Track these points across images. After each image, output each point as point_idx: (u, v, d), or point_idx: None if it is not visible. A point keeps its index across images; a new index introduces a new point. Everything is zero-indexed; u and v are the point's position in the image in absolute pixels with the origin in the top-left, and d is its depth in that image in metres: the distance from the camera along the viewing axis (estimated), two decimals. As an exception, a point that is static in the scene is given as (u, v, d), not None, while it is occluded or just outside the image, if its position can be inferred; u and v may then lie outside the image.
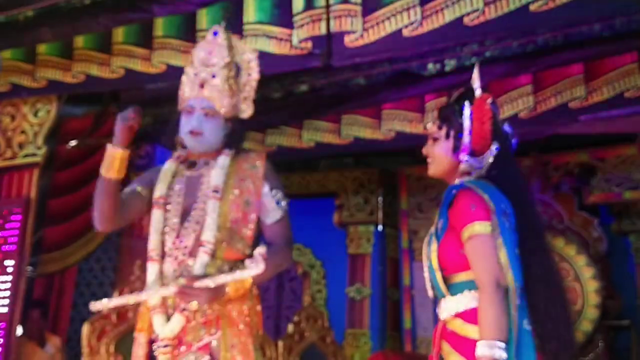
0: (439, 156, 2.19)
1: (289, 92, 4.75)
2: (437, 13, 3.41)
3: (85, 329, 4.17)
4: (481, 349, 1.87)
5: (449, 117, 2.18)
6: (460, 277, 2.04)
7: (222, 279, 2.29)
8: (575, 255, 5.36)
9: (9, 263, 4.49)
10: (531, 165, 5.79)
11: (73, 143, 5.09)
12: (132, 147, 5.63)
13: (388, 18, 3.52)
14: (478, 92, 2.20)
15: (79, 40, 4.32)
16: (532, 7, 3.23)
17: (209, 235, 2.37)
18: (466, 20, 3.35)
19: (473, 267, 1.98)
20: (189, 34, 4.01)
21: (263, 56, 3.71)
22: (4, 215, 4.60)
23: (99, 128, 5.17)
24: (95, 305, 2.39)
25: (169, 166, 2.58)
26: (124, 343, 4.11)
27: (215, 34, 2.59)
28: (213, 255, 2.37)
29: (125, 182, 5.36)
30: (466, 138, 2.13)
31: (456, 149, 2.15)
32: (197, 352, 2.35)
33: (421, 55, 4.22)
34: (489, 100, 2.19)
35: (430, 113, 4.66)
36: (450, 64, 4.39)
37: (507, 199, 2.05)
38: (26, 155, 4.72)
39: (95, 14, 3.91)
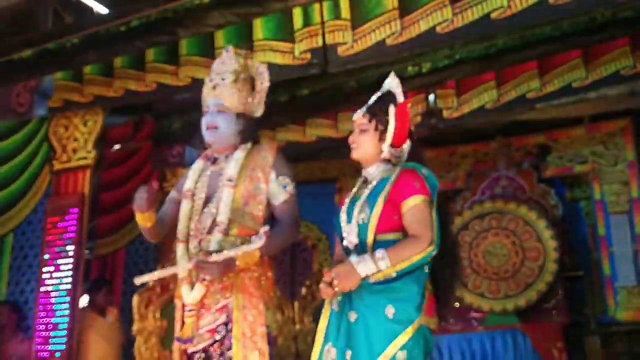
0: (365, 144, 2.26)
1: (293, 96, 4.74)
2: (414, 24, 3.40)
3: (135, 299, 4.21)
4: (384, 263, 2.04)
5: (378, 113, 2.26)
6: (388, 236, 2.14)
7: (228, 253, 2.29)
8: (537, 220, 5.36)
9: (70, 248, 4.51)
10: (497, 147, 5.78)
11: (117, 147, 5.09)
12: (165, 147, 5.67)
13: (373, 30, 3.51)
14: (401, 97, 2.29)
15: (118, 61, 4.31)
16: (493, 15, 3.21)
17: (222, 217, 2.39)
18: (438, 29, 3.34)
19: (415, 226, 2.10)
20: (208, 51, 4.00)
21: (270, 66, 3.72)
22: (64, 209, 4.61)
23: (137, 133, 5.18)
24: (139, 279, 2.43)
25: (196, 165, 2.60)
26: (168, 310, 4.14)
27: (227, 50, 2.64)
28: (227, 233, 2.38)
29: (161, 178, 5.36)
30: (390, 132, 2.23)
31: (380, 140, 2.24)
32: (216, 312, 2.37)
33: (402, 60, 4.21)
34: (409, 105, 2.32)
35: (411, 107, 4.64)
36: (426, 66, 4.38)
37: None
38: (79, 159, 4.72)
39: (131, 38, 3.89)
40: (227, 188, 2.43)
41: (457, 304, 5.43)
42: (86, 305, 4.72)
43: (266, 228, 2.28)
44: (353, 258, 2.11)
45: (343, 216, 2.26)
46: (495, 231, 5.50)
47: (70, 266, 4.47)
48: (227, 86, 2.52)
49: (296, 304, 5.03)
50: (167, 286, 4.17)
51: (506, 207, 5.50)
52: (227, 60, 2.59)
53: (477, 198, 5.74)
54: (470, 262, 5.49)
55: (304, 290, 5.17)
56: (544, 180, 5.68)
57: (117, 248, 5.38)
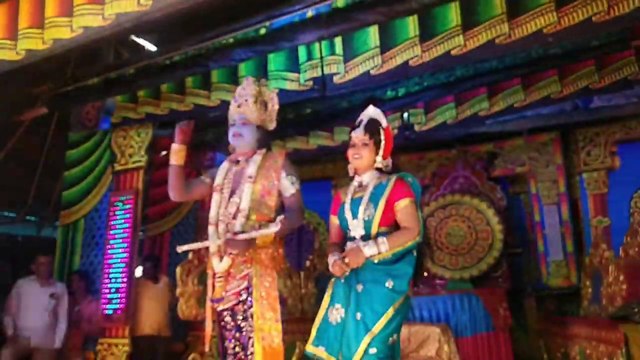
0: (366, 156, 2.30)
1: (298, 114, 4.75)
2: (392, 59, 3.42)
3: (178, 270, 4.20)
4: (384, 247, 2.14)
5: (374, 132, 2.31)
6: (385, 228, 2.22)
7: (252, 234, 2.31)
8: (487, 209, 5.37)
9: (127, 231, 4.53)
10: (457, 153, 5.79)
11: (163, 153, 5.09)
12: (201, 153, 5.65)
13: (360, 63, 3.52)
14: (384, 122, 2.36)
15: (164, 87, 4.32)
16: (453, 52, 3.23)
17: (244, 205, 2.39)
18: (410, 62, 3.36)
19: (407, 221, 2.18)
20: (233, 79, 4.01)
21: (281, 91, 3.73)
22: (123, 201, 4.62)
23: (179, 142, 5.16)
24: (180, 248, 2.46)
25: (224, 165, 2.61)
26: (204, 278, 4.14)
27: (247, 79, 2.66)
28: (248, 218, 2.39)
29: (196, 176, 5.37)
30: (382, 147, 2.30)
31: (376, 153, 2.30)
32: (239, 280, 2.37)
33: (382, 86, 4.22)
34: (391, 127, 2.41)
35: (390, 123, 4.65)
36: (401, 91, 4.40)
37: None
38: (134, 162, 4.73)
39: (173, 69, 3.90)
40: (248, 184, 2.44)
41: (425, 274, 5.46)
42: (142, 275, 4.73)
43: (282, 217, 2.29)
44: (360, 243, 2.19)
45: (348, 213, 2.29)
46: (454, 218, 5.52)
47: (127, 244, 4.50)
48: (249, 105, 2.55)
49: (302, 273, 5.02)
50: (202, 259, 4.17)
51: (463, 199, 5.52)
52: (247, 87, 2.61)
53: (441, 192, 5.76)
54: (436, 241, 5.51)
55: (307, 263, 5.16)
56: (492, 179, 5.70)
57: (163, 231, 5.38)
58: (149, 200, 4.93)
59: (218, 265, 2.39)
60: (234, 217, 2.40)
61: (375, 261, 2.15)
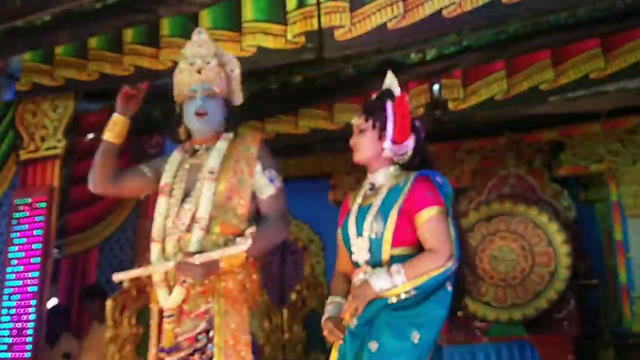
0: (365, 144, 2.31)
1: (284, 84, 4.74)
2: (418, 7, 3.39)
3: (109, 304, 4.18)
4: (400, 278, 2.09)
5: (374, 112, 2.31)
6: (402, 250, 2.18)
7: (213, 254, 2.30)
8: (548, 222, 5.37)
9: (37, 247, 4.49)
10: (506, 143, 5.79)
11: (90, 136, 5.06)
12: (144, 137, 5.67)
13: (373, 13, 3.50)
14: (398, 90, 2.35)
15: (93, 41, 4.29)
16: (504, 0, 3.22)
17: (202, 212, 2.38)
18: (444, 12, 3.34)
19: (431, 240, 2.15)
20: (192, 32, 3.97)
21: (261, 51, 3.73)
22: (31, 203, 4.59)
23: (113, 121, 5.15)
24: (117, 276, 2.45)
25: (174, 156, 2.60)
26: (144, 315, 4.12)
27: (200, 32, 2.68)
28: (208, 231, 2.38)
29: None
30: (389, 129, 2.28)
31: (380, 138, 2.29)
32: (196, 319, 2.37)
33: (404, 46, 4.21)
34: (407, 99, 2.37)
35: (414, 98, 4.66)
36: (430, 53, 4.39)
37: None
38: (48, 148, 4.71)
39: (106, 16, 3.88)
40: (209, 181, 2.43)
41: (460, 313, 5.45)
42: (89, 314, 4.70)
43: (252, 229, 2.30)
44: (368, 271, 2.17)
45: (352, 228, 2.28)
46: (502, 234, 5.51)
47: (37, 265, 4.45)
48: (214, 70, 2.56)
49: (285, 310, 5.02)
50: (144, 289, 4.13)
51: (515, 208, 5.52)
52: (204, 43, 2.63)
53: (484, 198, 5.75)
54: (476, 267, 5.49)
55: (293, 296, 5.15)
56: (557, 180, 5.70)
57: (89, 247, 5.36)
58: (69, 203, 4.90)
59: (166, 298, 2.38)
60: (188, 230, 2.39)
61: (394, 301, 2.11)
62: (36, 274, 4.45)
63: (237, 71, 2.67)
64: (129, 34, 4.19)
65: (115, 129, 2.55)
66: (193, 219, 2.39)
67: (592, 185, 5.82)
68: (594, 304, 5.59)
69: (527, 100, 4.58)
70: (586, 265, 5.57)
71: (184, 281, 2.35)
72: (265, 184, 2.48)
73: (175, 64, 3.96)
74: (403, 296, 2.10)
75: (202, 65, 2.56)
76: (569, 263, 5.26)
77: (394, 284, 2.10)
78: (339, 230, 2.40)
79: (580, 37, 4.19)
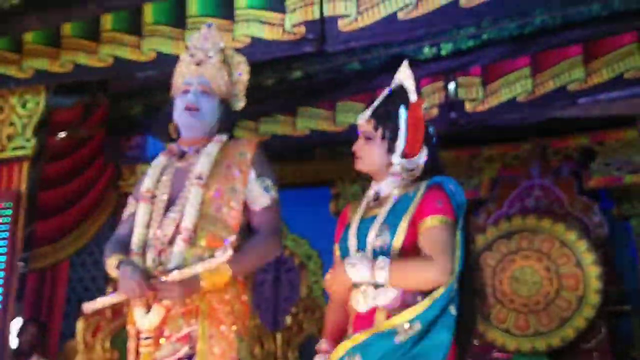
0: (371, 155, 2.29)
1: (282, 79, 4.75)
2: (432, -6, 3.41)
3: (80, 325, 4.18)
4: (382, 275, 2.08)
5: (385, 119, 2.28)
6: None
7: (189, 270, 2.30)
8: (576, 240, 5.36)
9: (0, 259, 4.48)
10: (530, 149, 5.80)
11: (63, 134, 5.07)
12: (122, 136, 5.66)
13: (382, 1, 3.52)
14: (413, 97, 2.31)
15: (67, 28, 4.30)
16: (530, -14, 3.23)
17: (187, 222, 2.39)
18: (462, 1, 3.35)
19: (431, 249, 2.12)
20: (179, 20, 4.00)
21: (255, 42, 3.74)
22: (-6, 209, 4.59)
23: (88, 118, 5.17)
24: (88, 306, 2.46)
25: (159, 160, 2.62)
26: (119, 338, 4.12)
27: (208, 25, 2.70)
28: (193, 244, 2.38)
29: (116, 174, 5.32)
30: (401, 141, 2.26)
31: (390, 151, 2.27)
32: (176, 342, 2.37)
33: (417, 39, 4.23)
34: (424, 106, 2.36)
35: (426, 97, 4.66)
36: (446, 48, 4.40)
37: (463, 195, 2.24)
38: (15, 148, 4.71)
39: (83, 0, 3.88)
40: (196, 187, 2.43)
41: (476, 342, 5.44)
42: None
43: (232, 238, 2.31)
44: (349, 259, 2.16)
45: (352, 242, 2.27)
46: (525, 253, 5.50)
47: (1, 281, 4.44)
48: (214, 65, 2.59)
49: (279, 335, 5.01)
50: (120, 310, 4.14)
51: (539, 224, 5.51)
52: (210, 37, 2.65)
53: (504, 212, 5.75)
54: (494, 290, 5.49)
55: (289, 320, 5.15)
56: (587, 192, 5.69)
57: (59, 260, 5.37)
58: (37, 211, 4.90)
59: (144, 319, 2.37)
60: (171, 242, 2.39)
61: (401, 340, 2.05)
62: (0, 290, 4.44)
63: (245, 76, 2.70)
64: (107, 20, 4.19)
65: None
66: (177, 230, 2.40)
67: (627, 199, 5.82)
68: (627, 333, 5.57)
69: (554, 101, 4.57)
70: (619, 290, 5.57)
71: (161, 300, 2.35)
72: (259, 194, 2.48)
73: (159, 54, 4.05)
74: (410, 333, 2.05)
75: (203, 58, 2.59)
76: (600, 287, 5.25)
77: (372, 279, 2.10)
78: (336, 246, 2.39)
79: (614, 31, 4.19)
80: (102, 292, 4.61)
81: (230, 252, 2.26)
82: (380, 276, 2.09)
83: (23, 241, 4.64)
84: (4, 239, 4.53)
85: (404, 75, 2.36)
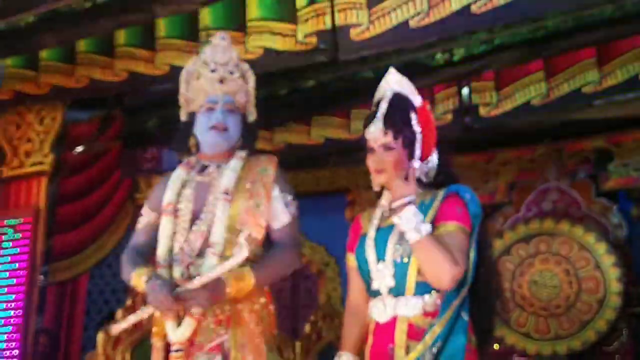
0: (395, 165, 2.25)
1: (295, 89, 4.76)
2: (444, 2, 3.40)
3: (100, 337, 4.19)
4: (425, 229, 2.10)
5: (402, 127, 2.26)
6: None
7: (211, 274, 2.30)
8: (595, 243, 5.32)
9: (21, 273, 4.52)
10: (546, 152, 5.77)
11: (80, 149, 5.11)
12: (138, 150, 5.69)
13: (394, 9, 3.51)
14: (417, 99, 2.32)
15: (81, 44, 4.33)
16: (542, -10, 3.22)
17: (217, 236, 2.41)
18: (474, 7, 3.34)
19: (454, 252, 2.12)
20: (192, 33, 4.02)
21: (268, 53, 3.75)
22: (14, 225, 4.62)
23: (104, 132, 5.21)
24: (115, 328, 2.51)
25: (178, 173, 2.62)
26: (140, 350, 4.13)
27: (223, 37, 2.68)
28: (221, 256, 2.39)
29: (133, 187, 5.35)
30: (419, 146, 2.27)
31: (411, 157, 2.27)
32: (209, 352, 2.37)
33: (429, 46, 4.22)
34: (428, 107, 2.36)
35: (439, 104, 4.66)
36: (458, 53, 4.40)
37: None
38: (33, 164, 4.75)
39: (96, 17, 3.92)
40: (223, 202, 2.45)
41: (496, 346, 5.41)
42: None
43: (246, 233, 2.30)
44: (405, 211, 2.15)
45: (371, 251, 2.26)
46: (544, 257, 5.48)
47: (20, 294, 4.48)
48: (236, 82, 2.60)
49: (298, 343, 5.01)
50: (140, 322, 4.15)
51: (557, 227, 5.48)
52: (227, 51, 2.64)
53: (522, 215, 5.73)
54: (513, 294, 5.46)
55: (307, 328, 5.15)
56: (605, 194, 5.66)
57: (78, 273, 5.40)
58: (55, 225, 4.94)
59: (175, 331, 2.39)
60: (199, 255, 2.42)
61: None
62: (20, 304, 4.47)
63: (252, 83, 2.69)
64: (121, 36, 4.22)
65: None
66: (205, 244, 2.42)
67: (646, 200, 5.78)
68: (650, 336, 5.53)
69: (569, 104, 4.56)
70: (639, 291, 5.52)
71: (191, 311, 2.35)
72: (281, 211, 2.52)
73: (173, 68, 4.07)
74: (434, 351, 2.08)
75: (225, 75, 2.59)
76: (620, 289, 5.21)
77: (418, 231, 2.10)
78: (351, 256, 2.38)
79: (628, 33, 4.18)
80: (121, 304, 4.64)
81: (246, 248, 2.26)
82: (423, 229, 2.10)
83: (43, 255, 4.68)
84: (24, 253, 4.57)
85: (397, 82, 2.35)
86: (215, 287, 2.31)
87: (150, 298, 2.34)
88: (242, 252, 2.26)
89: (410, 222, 2.11)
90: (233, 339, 2.36)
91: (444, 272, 2.09)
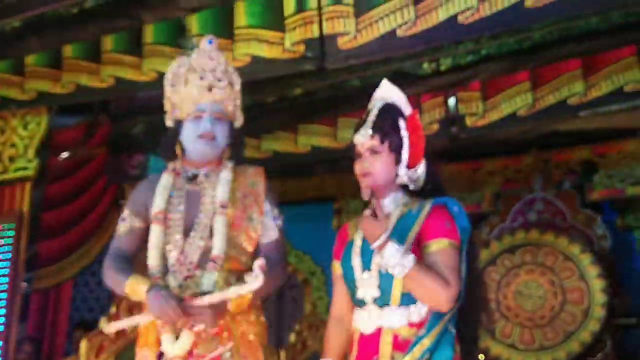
0: (381, 169, 2.26)
1: (282, 97, 4.76)
2: (431, 12, 3.41)
3: (84, 345, 4.15)
4: (407, 265, 2.08)
5: (389, 131, 2.27)
6: None
7: (222, 295, 2.30)
8: (580, 254, 5.35)
9: (4, 280, 4.48)
10: (532, 163, 5.81)
11: (65, 155, 5.08)
12: (124, 156, 5.66)
13: (381, 18, 3.52)
14: (407, 108, 2.33)
15: (68, 50, 4.31)
16: (528, 3, 3.22)
17: (219, 251, 2.39)
18: (460, 18, 3.35)
19: (447, 275, 2.12)
20: (179, 39, 4.01)
21: (256, 61, 3.75)
22: (-3, 231, 4.59)
23: (90, 138, 5.18)
24: (109, 327, 2.44)
25: (166, 180, 2.57)
26: (123, 359, 4.09)
27: (210, 41, 2.63)
28: (222, 271, 2.40)
29: (119, 193, 5.32)
30: (406, 151, 2.27)
31: (397, 162, 2.27)
32: None
33: (416, 55, 4.23)
34: (418, 115, 2.37)
35: (426, 114, 4.67)
36: (445, 63, 4.41)
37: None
38: (17, 169, 4.71)
39: (84, 22, 3.90)
40: (222, 216, 2.44)
41: (481, 357, 5.40)
42: None
43: (261, 262, 2.27)
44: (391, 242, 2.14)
45: (357, 260, 2.26)
46: (529, 267, 5.49)
47: (5, 302, 4.43)
48: (225, 90, 2.55)
49: (283, 353, 4.99)
50: (123, 330, 4.11)
51: (542, 237, 5.50)
52: (215, 56, 2.59)
53: (507, 226, 5.75)
54: (499, 304, 5.47)
55: (292, 337, 5.12)
56: (590, 205, 5.70)
57: (62, 280, 5.36)
58: (39, 231, 4.90)
59: (172, 344, 2.36)
60: (198, 267, 2.40)
61: None
62: (2, 311, 4.43)
63: (237, 87, 2.64)
64: (108, 42, 4.20)
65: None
66: (203, 256, 2.40)
67: (630, 211, 5.81)
68: (634, 347, 5.54)
69: (554, 115, 4.58)
70: (624, 302, 5.54)
71: (193, 325, 2.33)
72: (271, 227, 2.51)
73: (160, 74, 4.05)
74: None
75: (214, 82, 2.54)
76: (605, 300, 5.23)
77: (399, 263, 2.08)
78: (336, 264, 2.37)
79: (613, 45, 4.21)
80: (105, 312, 4.60)
81: (262, 278, 2.23)
82: (407, 261, 2.08)
83: (26, 262, 4.63)
84: (7, 259, 4.52)
85: (389, 91, 2.36)
86: (220, 305, 2.31)
87: (155, 308, 2.30)
88: (257, 281, 2.23)
89: (394, 258, 2.09)
90: (235, 349, 2.35)
91: (438, 297, 2.09)
